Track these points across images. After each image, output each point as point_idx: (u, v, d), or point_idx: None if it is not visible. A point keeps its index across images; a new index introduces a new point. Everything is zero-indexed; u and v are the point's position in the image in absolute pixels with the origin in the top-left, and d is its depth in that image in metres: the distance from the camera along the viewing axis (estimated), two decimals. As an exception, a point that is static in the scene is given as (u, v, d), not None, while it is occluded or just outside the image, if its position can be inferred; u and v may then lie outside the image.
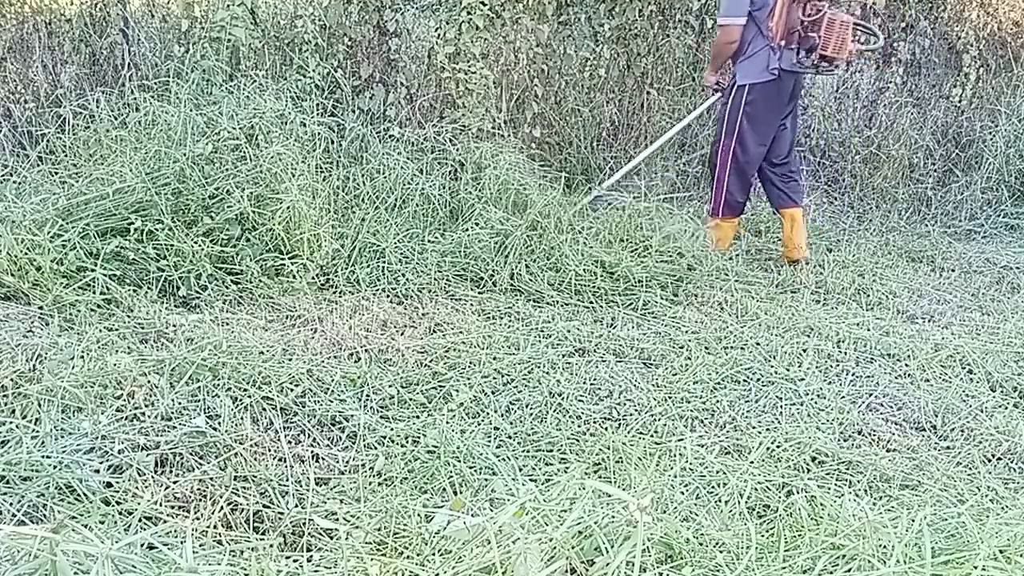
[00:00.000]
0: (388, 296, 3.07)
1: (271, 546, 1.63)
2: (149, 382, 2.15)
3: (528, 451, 2.15)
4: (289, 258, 3.03)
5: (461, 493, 1.89)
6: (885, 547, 1.60)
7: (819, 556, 1.60)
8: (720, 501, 1.91)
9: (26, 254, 2.69)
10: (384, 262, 3.20)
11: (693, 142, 4.83)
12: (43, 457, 1.79)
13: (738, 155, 3.75)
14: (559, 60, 4.68)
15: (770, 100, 3.72)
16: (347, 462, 2.03)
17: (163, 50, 4.06)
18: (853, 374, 2.75)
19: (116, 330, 2.51)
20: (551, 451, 2.16)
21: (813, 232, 4.26)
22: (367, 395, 2.33)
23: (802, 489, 1.96)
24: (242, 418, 2.09)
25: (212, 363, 2.28)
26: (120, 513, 1.71)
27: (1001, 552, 1.59)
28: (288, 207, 3.04)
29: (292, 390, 2.26)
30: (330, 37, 4.15)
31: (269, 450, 2.00)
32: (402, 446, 2.10)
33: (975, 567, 1.53)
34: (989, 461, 2.28)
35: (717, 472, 2.03)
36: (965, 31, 5.32)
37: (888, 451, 2.29)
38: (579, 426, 2.29)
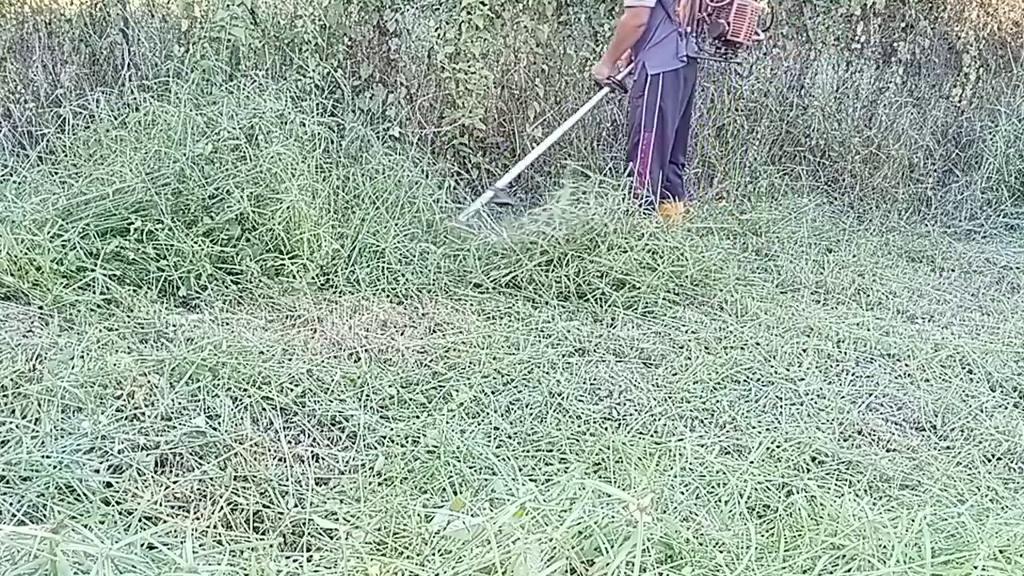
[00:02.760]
0: (388, 296, 3.07)
1: (271, 546, 1.63)
2: (149, 382, 2.15)
3: (528, 451, 2.15)
4: (289, 258, 3.03)
5: (461, 493, 1.89)
6: (885, 547, 1.60)
7: (819, 556, 1.60)
8: (720, 501, 1.91)
9: (26, 254, 2.69)
10: (384, 262, 3.20)
11: (693, 142, 4.82)
12: (43, 457, 1.79)
13: (659, 147, 3.70)
14: (559, 60, 4.69)
15: (678, 88, 3.67)
16: (347, 462, 2.03)
17: (163, 50, 4.06)
18: (853, 374, 2.75)
19: (116, 330, 2.51)
20: (551, 451, 2.16)
21: (813, 232, 4.26)
22: (367, 395, 2.33)
23: (802, 489, 1.96)
24: (242, 418, 2.09)
25: (212, 363, 2.28)
26: (120, 513, 1.70)
27: (1001, 552, 1.59)
28: (288, 207, 3.04)
29: (292, 390, 2.26)
30: (330, 37, 4.15)
31: (269, 450, 2.00)
32: (402, 446, 2.10)
33: (975, 567, 1.53)
34: (989, 461, 2.28)
35: (717, 472, 2.03)
36: (965, 31, 5.32)
37: (888, 451, 2.29)
38: (579, 426, 2.29)
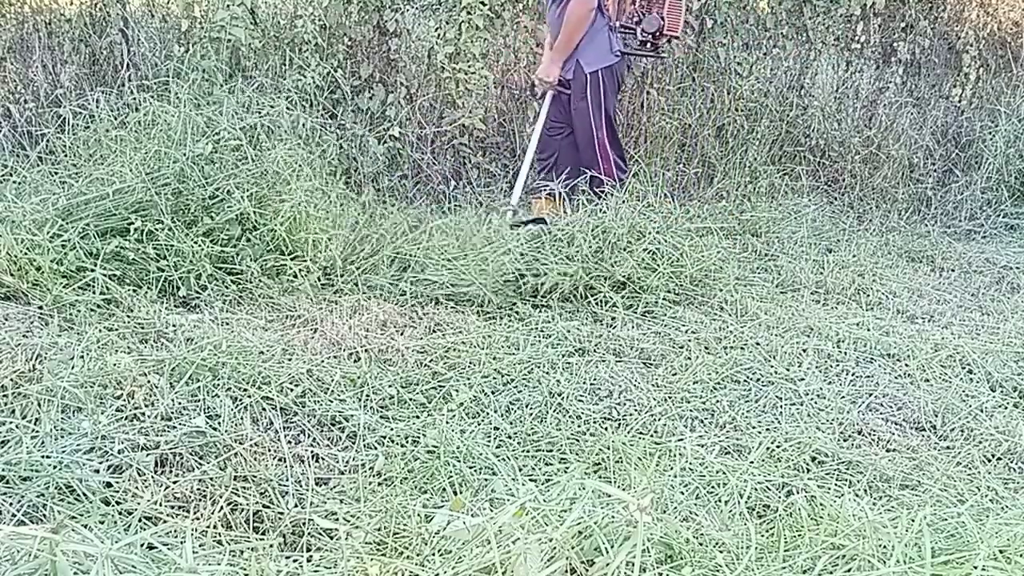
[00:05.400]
0: (388, 296, 3.06)
1: (271, 546, 1.63)
2: (149, 382, 2.15)
3: (528, 451, 2.15)
4: (291, 259, 3.03)
5: (461, 493, 1.89)
6: (885, 547, 1.60)
7: (819, 556, 1.60)
8: (720, 501, 1.91)
9: (26, 254, 2.69)
10: (384, 263, 3.19)
11: (693, 142, 4.83)
12: (43, 457, 1.79)
13: (611, 143, 3.69)
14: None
15: (614, 83, 3.65)
16: (347, 462, 2.03)
17: (163, 50, 4.06)
18: (853, 374, 2.74)
19: (116, 330, 2.51)
20: (551, 451, 2.16)
21: (813, 232, 4.26)
22: (367, 395, 2.33)
23: (802, 489, 1.96)
24: (242, 418, 2.09)
25: (212, 363, 2.28)
26: (120, 513, 1.71)
27: (1001, 552, 1.59)
28: (292, 208, 3.04)
29: (292, 390, 2.26)
30: (330, 37, 4.15)
31: (269, 450, 2.00)
32: (402, 446, 2.10)
33: (975, 567, 1.53)
34: (989, 461, 2.28)
35: (717, 472, 2.03)
36: (965, 31, 5.33)
37: (888, 451, 2.29)
38: (579, 426, 2.29)
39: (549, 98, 3.88)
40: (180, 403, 2.10)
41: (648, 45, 3.69)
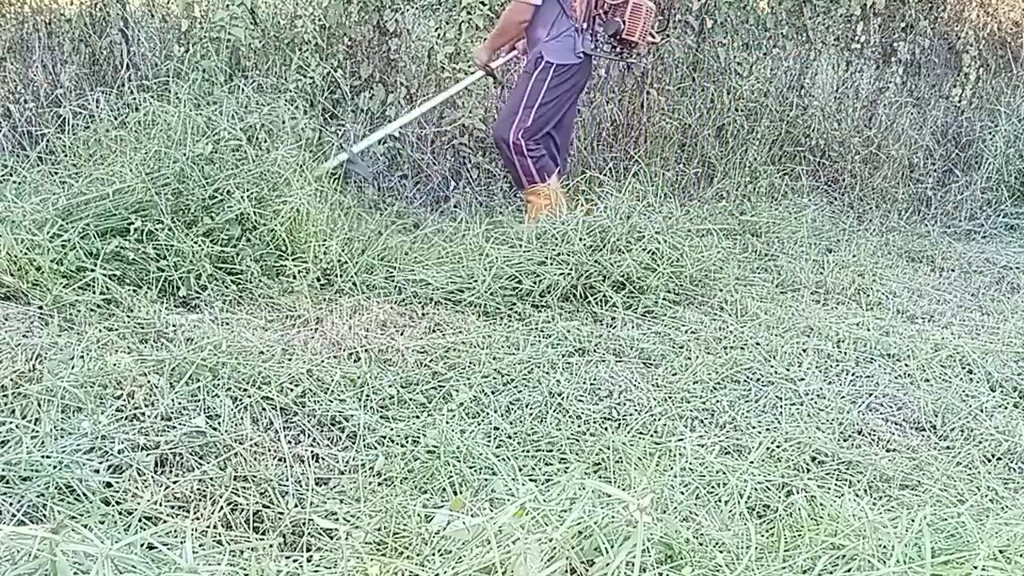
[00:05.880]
0: (388, 296, 3.06)
1: (271, 546, 1.63)
2: (149, 382, 2.15)
3: (528, 451, 2.15)
4: (291, 259, 3.03)
5: (461, 493, 1.89)
6: (885, 547, 1.60)
7: (819, 556, 1.60)
8: (720, 501, 1.91)
9: (26, 254, 2.69)
10: (384, 264, 3.20)
11: (693, 142, 4.83)
12: (43, 457, 1.79)
13: (528, 126, 3.64)
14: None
15: (574, 83, 3.67)
16: (347, 462, 2.03)
17: (163, 50, 4.06)
18: (853, 374, 2.75)
19: (116, 330, 2.51)
20: (551, 451, 2.16)
21: (813, 232, 4.26)
22: (367, 395, 2.33)
23: (802, 489, 1.96)
24: (242, 418, 2.09)
25: (212, 363, 2.28)
26: (120, 513, 1.71)
27: (1001, 552, 1.59)
28: (292, 208, 3.04)
29: (292, 390, 2.26)
30: (330, 37, 4.16)
31: (269, 450, 2.00)
32: (402, 446, 2.10)
33: (975, 567, 1.53)
34: (989, 461, 2.28)
35: (717, 472, 2.03)
36: (965, 31, 5.33)
37: (888, 451, 2.29)
38: (579, 426, 2.29)
39: (469, 79, 3.94)
40: (180, 403, 2.10)
41: (612, 48, 3.72)
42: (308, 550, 1.68)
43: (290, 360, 2.44)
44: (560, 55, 3.60)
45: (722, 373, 2.65)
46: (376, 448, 2.09)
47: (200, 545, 1.63)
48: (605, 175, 4.33)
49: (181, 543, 1.53)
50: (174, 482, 1.83)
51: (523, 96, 3.65)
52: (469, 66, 4.17)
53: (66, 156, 3.38)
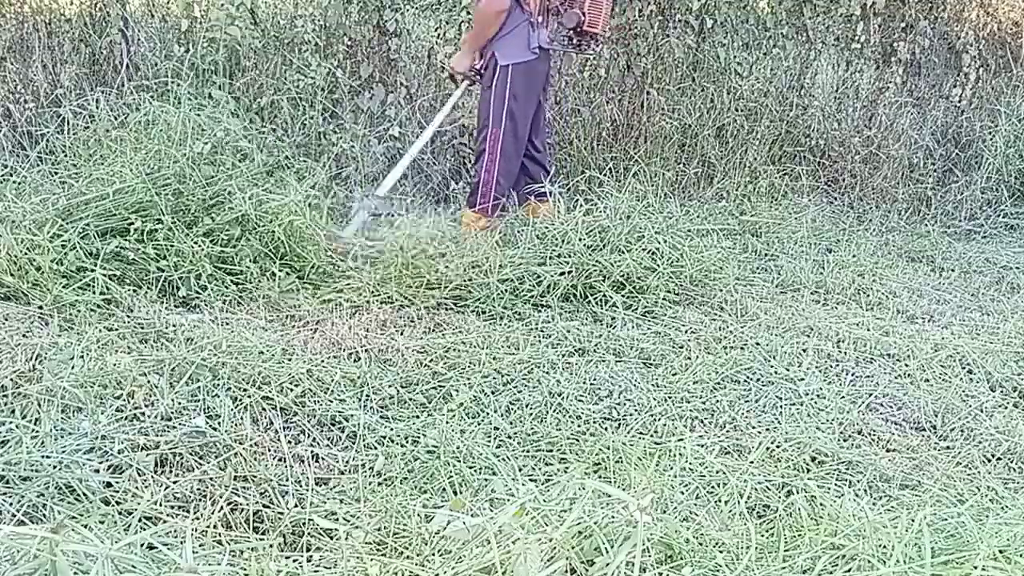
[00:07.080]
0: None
1: (271, 546, 1.63)
2: (149, 382, 2.15)
3: (528, 451, 2.15)
4: (292, 259, 3.03)
5: (461, 493, 1.89)
6: (885, 547, 1.60)
7: (819, 556, 1.60)
8: (720, 501, 1.91)
9: (26, 254, 2.69)
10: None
11: (693, 142, 4.83)
12: (43, 457, 1.79)
13: (508, 143, 3.55)
14: (559, 60, 4.68)
15: (532, 81, 3.56)
16: (347, 462, 2.03)
17: (163, 50, 4.06)
18: (853, 374, 2.75)
19: (116, 330, 2.51)
20: (551, 451, 2.16)
21: (813, 232, 4.26)
22: (367, 395, 2.33)
23: (802, 489, 1.95)
24: (242, 418, 2.09)
25: (212, 363, 2.28)
26: (120, 513, 1.71)
27: (1001, 552, 1.59)
28: (292, 210, 3.04)
29: (292, 390, 2.26)
30: (330, 37, 4.15)
31: (269, 450, 2.00)
32: (402, 446, 2.10)
33: (975, 567, 1.53)
34: (989, 461, 2.28)
35: (717, 472, 2.03)
36: (965, 31, 5.33)
37: (888, 451, 2.29)
38: (579, 426, 2.29)
39: (459, 92, 3.80)
40: (180, 403, 2.10)
41: (572, 41, 3.66)
42: (308, 550, 1.68)
43: (290, 360, 2.44)
44: (513, 54, 3.49)
45: (722, 373, 2.65)
46: (376, 448, 2.09)
47: (200, 545, 1.63)
48: (605, 175, 4.33)
49: (181, 543, 1.53)
50: (174, 482, 1.83)
51: (489, 113, 3.54)
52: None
53: (66, 156, 3.38)
